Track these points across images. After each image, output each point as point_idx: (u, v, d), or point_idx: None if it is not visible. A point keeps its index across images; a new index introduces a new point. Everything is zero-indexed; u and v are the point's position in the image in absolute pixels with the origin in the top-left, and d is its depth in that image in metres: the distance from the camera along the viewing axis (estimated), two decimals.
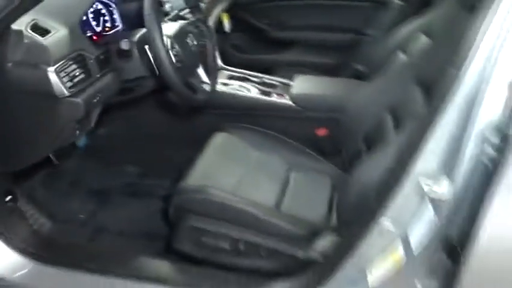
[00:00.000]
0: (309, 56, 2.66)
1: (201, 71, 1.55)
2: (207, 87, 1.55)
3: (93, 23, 1.43)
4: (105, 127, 1.88)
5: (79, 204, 1.84)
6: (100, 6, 1.47)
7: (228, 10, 2.53)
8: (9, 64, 1.10)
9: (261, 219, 1.34)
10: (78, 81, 1.19)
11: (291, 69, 2.43)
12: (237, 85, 1.97)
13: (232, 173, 1.52)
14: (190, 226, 1.36)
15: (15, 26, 1.10)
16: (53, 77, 1.11)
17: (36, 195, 1.68)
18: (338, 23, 2.65)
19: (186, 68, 1.42)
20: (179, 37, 1.42)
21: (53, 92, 1.13)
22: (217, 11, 2.31)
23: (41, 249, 1.32)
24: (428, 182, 0.91)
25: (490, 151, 0.80)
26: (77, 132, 1.27)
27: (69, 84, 1.15)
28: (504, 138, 0.75)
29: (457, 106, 0.89)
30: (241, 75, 2.07)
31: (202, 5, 1.99)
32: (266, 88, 1.99)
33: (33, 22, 1.15)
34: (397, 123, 1.42)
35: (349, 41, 2.56)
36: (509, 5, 0.85)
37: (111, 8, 1.52)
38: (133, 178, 2.04)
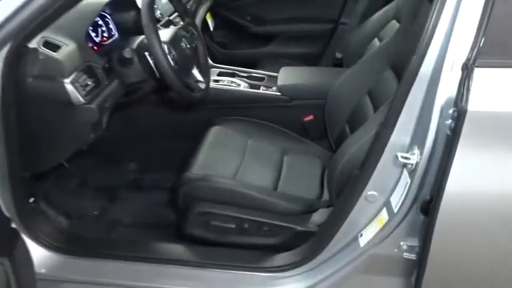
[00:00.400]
0: (290, 48, 2.74)
1: (195, 71, 1.66)
2: (202, 86, 1.68)
3: (93, 34, 1.52)
4: (106, 128, 1.98)
5: (90, 202, 1.93)
6: (97, 17, 1.55)
7: (210, 9, 2.61)
8: (30, 79, 1.20)
9: (262, 199, 1.48)
10: (91, 90, 1.30)
11: (274, 61, 2.51)
12: (227, 81, 2.06)
13: (231, 162, 1.63)
14: (198, 212, 1.47)
15: (30, 45, 1.21)
16: (69, 87, 1.23)
17: (51, 196, 1.78)
18: (315, 14, 2.72)
19: (182, 70, 1.53)
20: (174, 42, 1.53)
21: (71, 100, 1.24)
22: (202, 11, 2.42)
23: (66, 243, 1.43)
24: (403, 153, 1.08)
25: (450, 122, 0.96)
26: (91, 135, 1.39)
27: (83, 92, 1.27)
28: (459, 111, 0.91)
29: (422, 87, 1.05)
30: (230, 71, 2.16)
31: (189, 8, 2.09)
32: (254, 81, 2.08)
33: (43, 40, 1.25)
34: (376, 105, 1.57)
35: (327, 31, 2.65)
36: None
37: (106, 19, 1.62)
38: (136, 174, 2.12)
